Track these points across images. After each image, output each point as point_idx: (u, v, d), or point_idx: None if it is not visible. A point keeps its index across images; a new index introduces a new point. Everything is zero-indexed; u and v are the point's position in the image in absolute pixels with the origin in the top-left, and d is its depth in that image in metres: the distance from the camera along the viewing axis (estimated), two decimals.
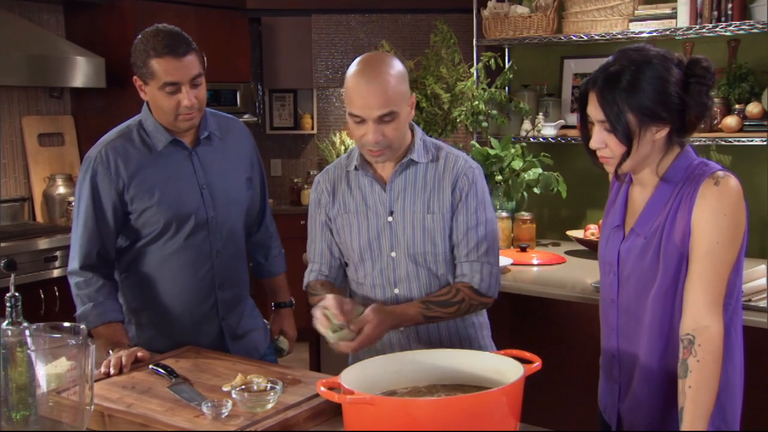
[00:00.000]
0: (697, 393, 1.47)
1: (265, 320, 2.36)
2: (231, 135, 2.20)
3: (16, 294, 1.66)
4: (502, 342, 2.08)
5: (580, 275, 2.81)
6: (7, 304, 1.65)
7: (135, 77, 2.03)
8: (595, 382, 2.76)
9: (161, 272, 2.09)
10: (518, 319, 2.88)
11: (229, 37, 4.61)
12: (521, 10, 3.50)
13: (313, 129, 5.59)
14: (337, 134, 5.46)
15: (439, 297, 1.88)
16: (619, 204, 1.74)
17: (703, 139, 3.02)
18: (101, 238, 2.05)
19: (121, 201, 2.05)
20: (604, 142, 1.62)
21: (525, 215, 3.36)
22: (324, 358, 3.39)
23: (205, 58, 2.09)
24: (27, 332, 1.51)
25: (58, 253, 3.68)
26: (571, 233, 3.33)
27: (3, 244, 3.50)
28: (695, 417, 1.46)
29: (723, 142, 2.98)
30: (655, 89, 1.56)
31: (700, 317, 1.52)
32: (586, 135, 1.68)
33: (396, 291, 1.94)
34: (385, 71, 1.79)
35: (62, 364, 1.60)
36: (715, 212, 1.53)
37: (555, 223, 3.62)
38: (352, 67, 1.83)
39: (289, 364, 2.35)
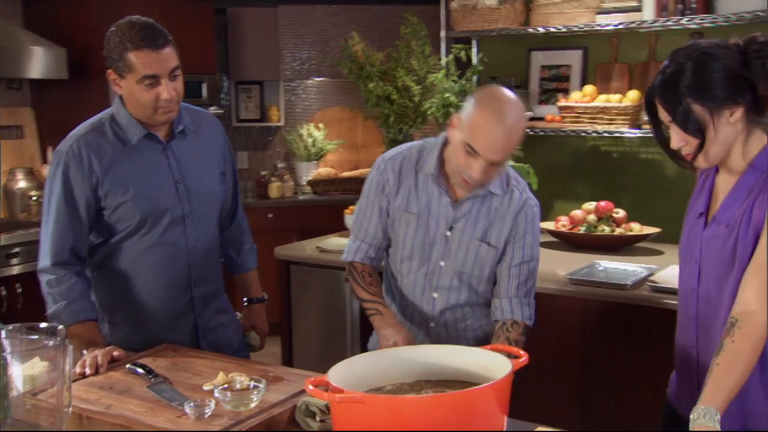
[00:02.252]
0: (722, 372, 1.45)
1: (237, 314, 2.34)
2: (204, 129, 2.17)
3: None
4: None
5: (552, 267, 2.84)
6: None
7: (109, 71, 1.98)
8: (574, 373, 2.81)
9: (136, 268, 2.06)
10: None
11: (194, 28, 4.53)
12: (489, 2, 3.51)
13: (279, 121, 5.54)
14: (305, 126, 5.42)
15: (515, 335, 1.94)
16: (705, 193, 1.74)
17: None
18: (74, 234, 2.00)
19: (94, 196, 2.00)
20: (684, 140, 1.62)
21: None
22: (296, 353, 3.38)
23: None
24: (3, 333, 1.47)
25: (18, 249, 3.59)
26: (542, 224, 3.35)
27: None
28: (715, 392, 1.43)
29: None
30: (719, 75, 1.56)
31: (749, 302, 1.51)
32: (663, 140, 1.69)
33: (435, 295, 2.02)
34: (519, 119, 1.81)
35: (37, 365, 1.56)
36: None
37: None
38: (490, 99, 1.81)
39: (261, 359, 2.34)
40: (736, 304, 1.54)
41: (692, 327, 1.73)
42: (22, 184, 3.99)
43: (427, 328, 2.06)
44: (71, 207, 1.99)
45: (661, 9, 3.12)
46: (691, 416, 1.41)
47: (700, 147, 1.60)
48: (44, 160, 4.16)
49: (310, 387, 1.32)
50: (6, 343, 1.44)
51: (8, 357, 1.42)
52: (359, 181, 5.13)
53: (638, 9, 3.18)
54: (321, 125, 5.43)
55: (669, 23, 3.08)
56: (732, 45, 1.60)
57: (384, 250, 2.09)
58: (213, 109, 4.68)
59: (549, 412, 2.69)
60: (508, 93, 1.84)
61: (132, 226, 2.02)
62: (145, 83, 1.92)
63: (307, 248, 3.38)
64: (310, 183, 5.17)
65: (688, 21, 3.03)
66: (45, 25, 4.13)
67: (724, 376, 1.45)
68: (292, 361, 3.38)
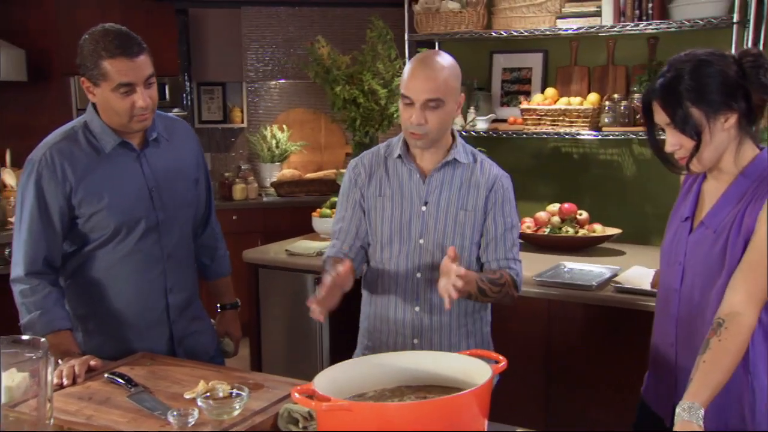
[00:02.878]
0: (708, 369, 1.50)
1: (212, 320, 2.34)
2: (177, 136, 2.17)
3: None
4: None
5: None
6: None
7: (83, 79, 1.96)
8: (539, 372, 2.86)
9: (110, 277, 2.05)
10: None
11: (156, 29, 4.49)
12: (452, 5, 3.56)
13: (243, 122, 5.51)
14: (268, 128, 5.40)
15: (490, 274, 1.99)
16: (691, 198, 1.80)
17: (628, 134, 3.18)
18: (47, 243, 1.98)
19: (68, 205, 1.98)
20: (678, 144, 1.68)
21: None
22: (265, 356, 3.39)
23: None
24: None
25: None
26: None
27: None
28: (700, 388, 1.48)
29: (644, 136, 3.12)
30: (716, 80, 1.63)
31: (736, 304, 1.57)
32: (656, 144, 1.75)
33: (418, 275, 2.04)
34: (442, 63, 1.95)
35: (15, 377, 1.56)
36: None
37: None
38: (416, 56, 1.99)
39: (230, 362, 2.35)
40: (724, 305, 1.59)
41: (672, 326, 1.78)
42: None
43: (412, 314, 2.06)
44: (44, 216, 1.97)
45: (620, 14, 3.21)
46: (676, 410, 1.46)
47: (696, 150, 1.66)
48: (2, 163, 4.08)
49: (296, 395, 1.34)
50: None
51: None
52: (323, 183, 5.14)
53: (598, 14, 3.27)
54: (284, 126, 5.42)
55: (627, 28, 3.17)
56: (728, 56, 1.68)
57: (360, 249, 2.09)
58: (175, 111, 4.65)
59: (515, 411, 2.75)
60: (435, 50, 2.02)
61: (106, 235, 2.01)
62: (121, 91, 1.92)
63: (273, 251, 3.39)
64: (274, 185, 5.17)
65: (644, 26, 3.13)
66: (2, 25, 4.05)
67: (710, 372, 1.50)
68: (261, 364, 3.39)
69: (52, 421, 1.47)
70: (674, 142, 1.69)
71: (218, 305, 2.41)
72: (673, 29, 3.09)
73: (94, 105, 2.02)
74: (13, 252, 2.01)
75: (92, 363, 1.87)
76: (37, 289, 1.96)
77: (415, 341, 2.06)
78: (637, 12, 3.18)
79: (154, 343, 2.09)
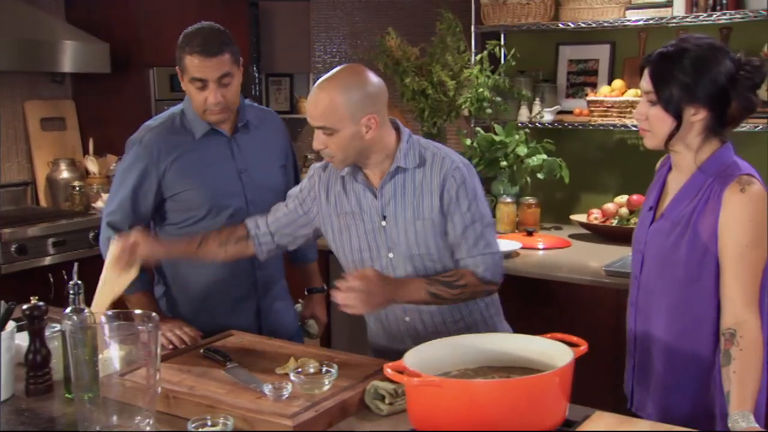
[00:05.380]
0: (741, 377, 1.59)
1: (298, 305, 2.46)
2: (267, 125, 2.31)
3: (78, 282, 1.75)
4: (512, 325, 2.15)
5: (586, 259, 2.94)
6: (71, 292, 1.74)
7: (177, 68, 2.13)
8: (609, 361, 2.90)
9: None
10: (525, 302, 2.98)
11: (228, 21, 4.57)
12: None
13: None
14: None
15: (443, 277, 1.92)
16: (656, 188, 1.87)
17: None
18: (134, 219, 2.15)
19: (160, 186, 2.14)
20: (645, 115, 1.75)
21: (530, 200, 3.46)
22: (334, 337, 3.51)
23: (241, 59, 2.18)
24: (102, 318, 1.59)
25: (64, 238, 3.71)
26: (575, 217, 3.45)
27: (7, 230, 3.50)
28: (743, 397, 1.57)
29: None
30: (704, 73, 1.68)
31: (739, 313, 1.64)
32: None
33: None
34: (332, 84, 1.85)
35: (123, 348, 1.69)
36: (741, 218, 1.66)
37: (555, 207, 3.73)
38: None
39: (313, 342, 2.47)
40: (727, 315, 1.66)
41: (632, 312, 1.88)
42: (65, 174, 4.12)
43: (405, 325, 2.03)
44: (136, 195, 2.14)
45: (692, 5, 3.18)
46: (731, 425, 1.55)
47: (676, 130, 1.71)
48: (85, 151, 4.29)
49: (389, 371, 1.43)
50: (106, 327, 1.56)
51: (107, 340, 1.55)
52: None
53: (669, 5, 3.24)
54: None
55: (699, 19, 3.15)
56: (735, 57, 1.71)
57: (272, 242, 2.07)
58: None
59: (586, 395, 2.79)
60: (343, 66, 1.92)
61: (198, 214, 2.17)
62: (195, 86, 2.07)
63: None
64: None
65: (718, 16, 3.10)
66: (86, 18, 4.23)
67: (745, 379, 1.59)
68: (330, 342, 3.51)
69: (159, 389, 1.59)
70: (643, 111, 1.75)
71: (306, 289, 2.53)
72: (748, 19, 3.06)
73: None
74: (101, 219, 2.19)
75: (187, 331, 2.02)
76: None
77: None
78: (710, 2, 3.15)
79: (242, 317, 2.22)
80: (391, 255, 1.97)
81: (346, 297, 1.76)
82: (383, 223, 1.97)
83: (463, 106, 3.42)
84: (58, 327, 1.87)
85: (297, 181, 2.42)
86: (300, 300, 2.51)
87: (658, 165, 1.97)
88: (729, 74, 1.69)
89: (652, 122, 1.74)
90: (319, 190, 2.04)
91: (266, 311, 2.29)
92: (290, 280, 2.48)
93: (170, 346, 1.98)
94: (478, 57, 3.50)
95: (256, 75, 5.51)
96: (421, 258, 1.96)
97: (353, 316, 3.43)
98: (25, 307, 1.75)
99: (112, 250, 1.93)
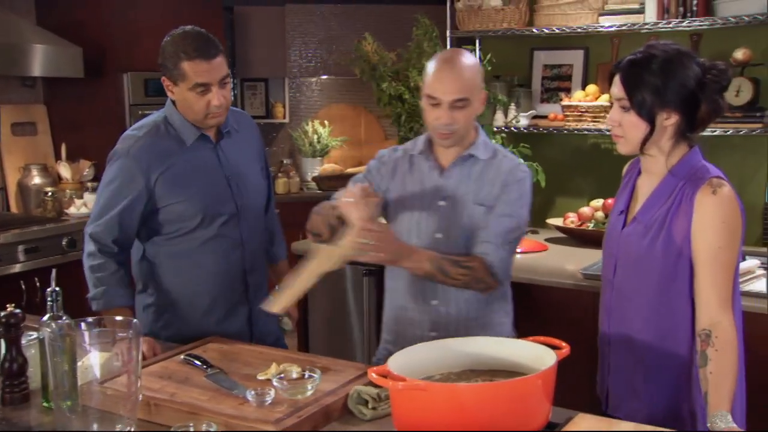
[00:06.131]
0: (718, 377, 1.61)
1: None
2: (244, 128, 2.31)
3: (57, 289, 1.72)
4: None
5: (563, 262, 2.97)
6: (48, 299, 1.71)
7: (163, 78, 2.10)
8: (586, 363, 2.93)
9: (194, 262, 2.18)
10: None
11: (203, 25, 4.55)
12: (494, 2, 3.62)
13: (285, 118, 5.62)
14: (309, 123, 5.50)
15: (452, 256, 1.98)
16: (626, 192, 1.90)
17: None
18: (120, 229, 2.12)
19: (151, 196, 2.11)
20: (617, 121, 1.78)
21: None
22: (311, 344, 3.50)
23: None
24: (82, 325, 1.57)
25: (36, 245, 3.66)
26: (551, 221, 3.48)
27: None
28: (720, 397, 1.59)
29: None
30: (673, 77, 1.71)
31: (713, 314, 1.67)
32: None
33: None
34: (466, 62, 2.00)
35: (102, 356, 1.66)
36: (714, 221, 1.70)
37: (531, 211, 3.71)
38: (438, 56, 2.04)
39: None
40: (702, 316, 1.70)
41: (605, 315, 1.90)
42: (37, 180, 4.06)
43: (430, 308, 2.08)
44: (124, 212, 2.10)
45: (663, 11, 3.24)
46: (708, 424, 1.58)
47: (649, 135, 1.74)
48: (58, 157, 4.23)
49: (373, 375, 1.43)
50: (86, 335, 1.54)
51: (87, 347, 1.53)
52: None
53: (641, 11, 3.30)
54: (326, 122, 5.52)
55: (670, 25, 3.20)
56: (699, 62, 1.75)
57: None
58: None
59: (565, 397, 2.81)
60: (456, 49, 2.05)
61: (190, 224, 2.14)
62: (197, 91, 2.04)
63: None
64: (316, 179, 5.27)
65: (688, 23, 3.15)
66: (59, 22, 4.18)
67: (721, 379, 1.62)
68: (308, 345, 3.51)
69: (140, 396, 1.57)
70: (615, 118, 1.78)
71: (277, 286, 2.52)
72: (717, 26, 3.12)
73: (173, 102, 2.15)
74: (85, 231, 2.15)
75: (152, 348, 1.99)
76: (105, 266, 2.10)
77: (433, 334, 2.07)
78: (681, 9, 3.20)
79: (234, 323, 2.21)
80: (438, 235, 2.05)
81: (365, 235, 1.82)
82: (441, 203, 2.05)
83: None
84: (34, 335, 1.84)
85: (269, 180, 2.44)
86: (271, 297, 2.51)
87: (625, 169, 2.00)
88: (697, 78, 1.73)
89: (625, 128, 1.77)
90: (389, 167, 2.14)
91: (257, 316, 2.28)
92: None
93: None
94: None
95: (232, 80, 5.49)
96: (466, 243, 2.02)
97: (330, 321, 3.47)
98: (1, 314, 1.72)
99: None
